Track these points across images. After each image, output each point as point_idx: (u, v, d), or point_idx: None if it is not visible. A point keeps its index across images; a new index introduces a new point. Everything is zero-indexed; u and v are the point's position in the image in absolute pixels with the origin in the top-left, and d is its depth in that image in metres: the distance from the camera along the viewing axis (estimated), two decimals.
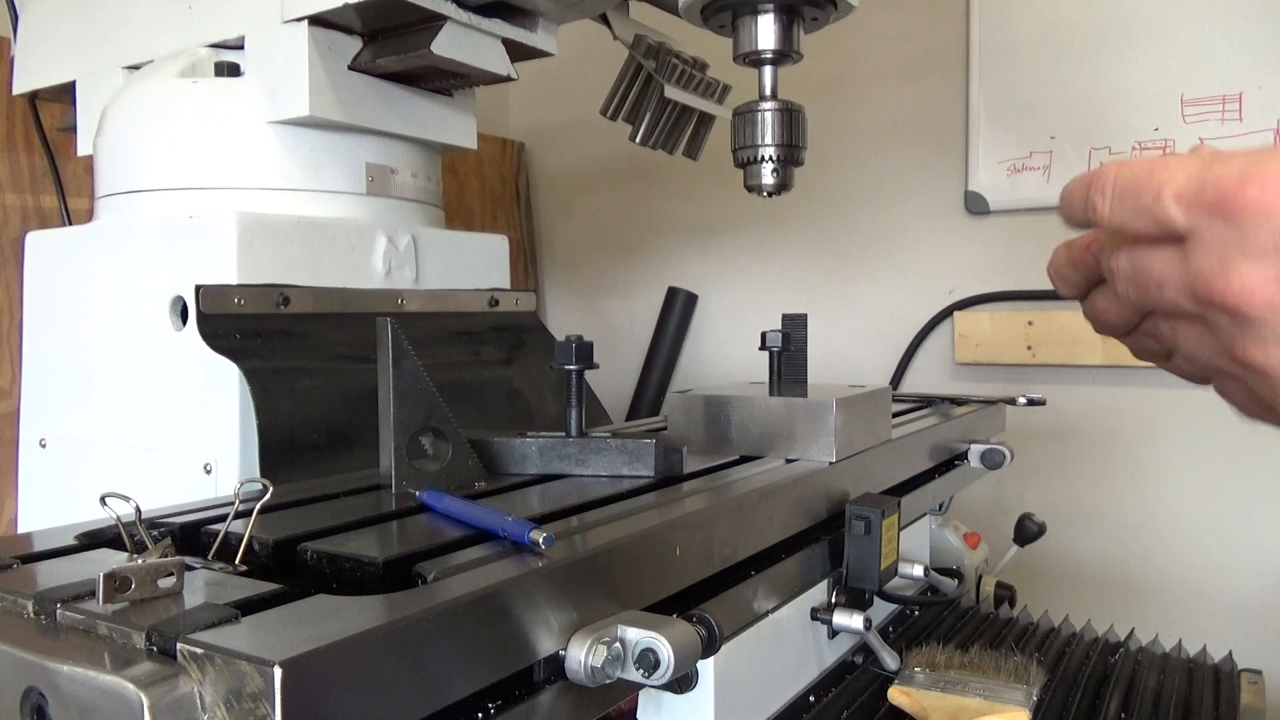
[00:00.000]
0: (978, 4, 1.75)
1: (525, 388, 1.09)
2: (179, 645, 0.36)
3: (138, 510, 0.50)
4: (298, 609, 0.41)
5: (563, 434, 0.74)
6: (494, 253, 1.15)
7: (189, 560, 0.49)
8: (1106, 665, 0.99)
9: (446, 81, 1.02)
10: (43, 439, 1.00)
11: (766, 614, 0.68)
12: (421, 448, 0.66)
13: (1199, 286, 0.44)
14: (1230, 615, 1.58)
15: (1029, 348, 1.71)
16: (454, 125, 1.08)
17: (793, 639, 0.73)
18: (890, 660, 0.79)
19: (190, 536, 0.56)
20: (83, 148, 1.07)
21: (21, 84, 1.17)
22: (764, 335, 0.93)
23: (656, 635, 0.48)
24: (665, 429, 0.87)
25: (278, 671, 0.33)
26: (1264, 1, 1.51)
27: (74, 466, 0.97)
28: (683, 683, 0.57)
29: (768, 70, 0.95)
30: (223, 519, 0.55)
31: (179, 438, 0.88)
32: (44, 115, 1.25)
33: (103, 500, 0.49)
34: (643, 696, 0.63)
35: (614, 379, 2.14)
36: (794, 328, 0.95)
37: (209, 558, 0.52)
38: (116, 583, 0.40)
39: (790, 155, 0.96)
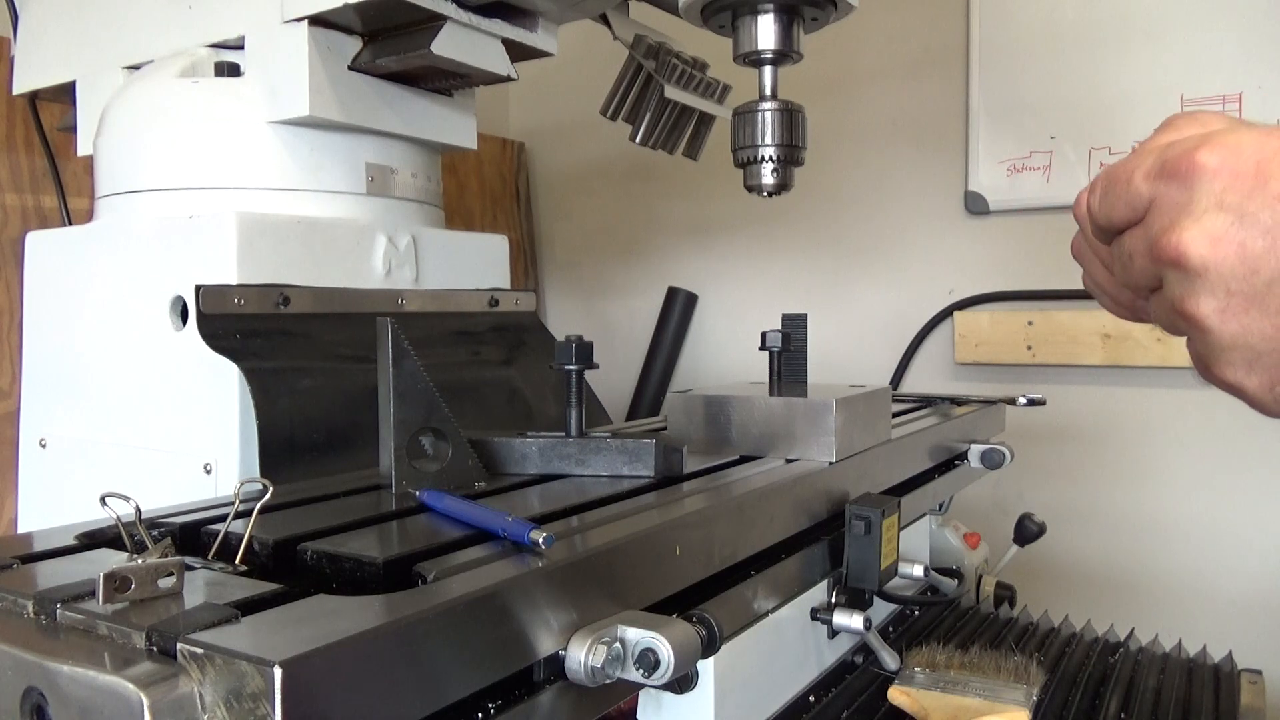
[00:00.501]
0: (978, 4, 1.75)
1: (525, 388, 1.09)
2: (179, 645, 0.36)
3: (138, 510, 0.50)
4: (298, 609, 0.41)
5: (563, 434, 0.75)
6: (494, 253, 1.15)
7: (189, 560, 0.49)
8: (1106, 665, 0.99)
9: (446, 81, 1.02)
10: (43, 439, 1.00)
11: (766, 614, 0.68)
12: (421, 448, 0.66)
13: (1154, 248, 0.47)
14: (1230, 615, 1.58)
15: (1029, 348, 1.71)
16: (454, 125, 1.08)
17: (793, 639, 0.73)
18: (890, 660, 0.79)
19: (190, 536, 0.56)
20: (83, 148, 1.07)
21: (21, 84, 1.17)
22: (764, 335, 0.93)
23: (656, 635, 0.48)
24: (665, 429, 0.87)
25: (278, 671, 0.33)
26: (1264, 1, 1.51)
27: (74, 466, 0.97)
28: (683, 683, 0.57)
29: (768, 70, 0.95)
30: (223, 519, 0.55)
31: (179, 438, 0.88)
32: (44, 115, 1.25)
33: (103, 500, 0.49)
34: (643, 696, 0.63)
35: (614, 379, 2.14)
36: (794, 328, 0.95)
37: (209, 558, 0.52)
38: (116, 583, 0.40)
39: (790, 155, 0.96)
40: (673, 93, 1.12)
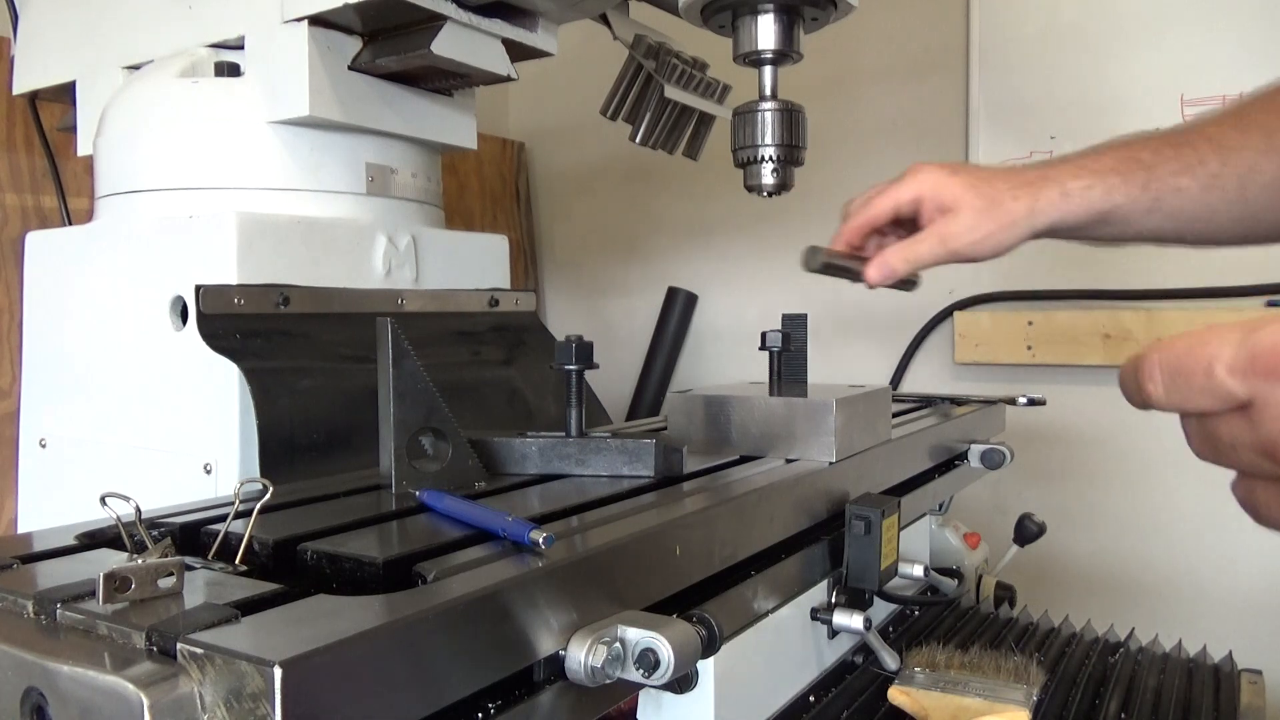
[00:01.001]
0: (978, 4, 1.75)
1: (525, 388, 1.09)
2: (179, 645, 0.36)
3: (138, 510, 0.50)
4: (298, 609, 0.41)
5: (563, 434, 0.74)
6: (494, 253, 1.15)
7: (189, 560, 0.49)
8: (1106, 665, 0.99)
9: (446, 81, 1.02)
10: (43, 439, 1.00)
11: (766, 614, 0.68)
12: (421, 448, 0.66)
13: (1272, 449, 0.46)
14: (1230, 615, 1.58)
15: (1029, 348, 1.71)
16: (454, 125, 1.08)
17: (793, 639, 0.73)
18: (890, 660, 0.79)
19: (190, 536, 0.56)
20: (83, 148, 1.07)
21: (21, 84, 1.17)
22: (764, 335, 0.93)
23: (656, 635, 0.48)
24: (665, 429, 0.87)
25: (278, 671, 0.33)
26: (1264, 1, 1.51)
27: (74, 466, 0.97)
28: (683, 683, 0.57)
29: (768, 70, 0.95)
30: (223, 519, 0.55)
31: (179, 438, 0.88)
32: (44, 115, 1.25)
33: (103, 500, 0.49)
34: (643, 696, 0.63)
35: (614, 379, 2.14)
36: (794, 328, 0.95)
37: (209, 558, 0.52)
38: (116, 583, 0.40)
39: (790, 155, 0.96)
40: (673, 93, 1.12)
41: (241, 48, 0.96)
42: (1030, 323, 1.70)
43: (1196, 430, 0.51)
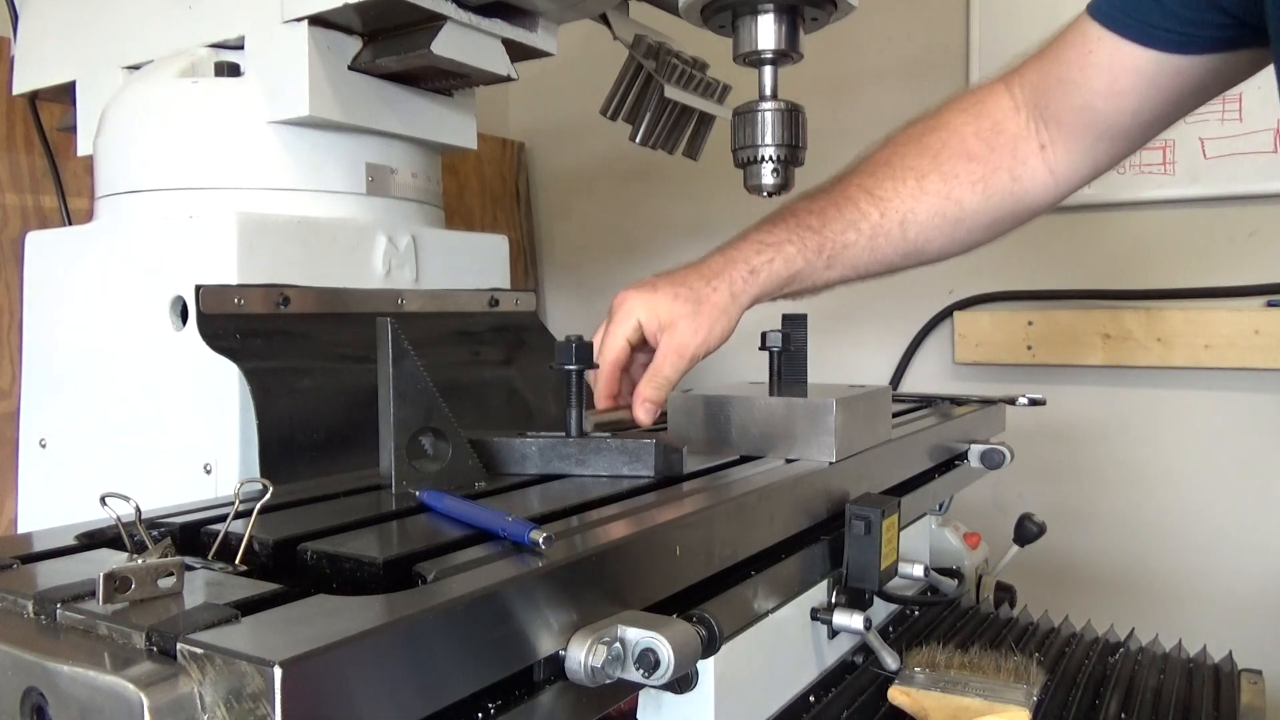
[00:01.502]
0: (978, 4, 1.75)
1: (525, 388, 1.09)
2: (179, 645, 0.36)
3: (138, 510, 0.50)
4: (298, 609, 0.41)
5: (563, 434, 0.75)
6: (494, 253, 1.15)
7: (189, 560, 0.49)
8: (1106, 665, 0.99)
9: (446, 81, 1.02)
10: (43, 439, 1.00)
11: (766, 614, 0.68)
12: (421, 448, 0.66)
13: None
14: (1230, 615, 1.58)
15: (1029, 348, 1.70)
16: (454, 125, 1.08)
17: (793, 639, 0.73)
18: (890, 660, 0.79)
19: (190, 536, 0.56)
20: (83, 148, 1.07)
21: (21, 84, 1.17)
22: (764, 335, 0.94)
23: (656, 635, 0.48)
24: (665, 429, 0.87)
25: (278, 671, 0.33)
26: None
27: (74, 466, 0.97)
28: (683, 683, 0.57)
29: (768, 70, 0.95)
30: (223, 519, 0.55)
31: (179, 438, 0.88)
32: (44, 115, 1.25)
33: (103, 500, 0.49)
34: (643, 696, 0.63)
35: None
36: (794, 328, 0.95)
37: (209, 558, 0.52)
38: (116, 583, 0.40)
39: (790, 155, 0.96)
40: (673, 93, 1.12)
41: (241, 48, 0.96)
42: (1030, 323, 1.70)
43: None
